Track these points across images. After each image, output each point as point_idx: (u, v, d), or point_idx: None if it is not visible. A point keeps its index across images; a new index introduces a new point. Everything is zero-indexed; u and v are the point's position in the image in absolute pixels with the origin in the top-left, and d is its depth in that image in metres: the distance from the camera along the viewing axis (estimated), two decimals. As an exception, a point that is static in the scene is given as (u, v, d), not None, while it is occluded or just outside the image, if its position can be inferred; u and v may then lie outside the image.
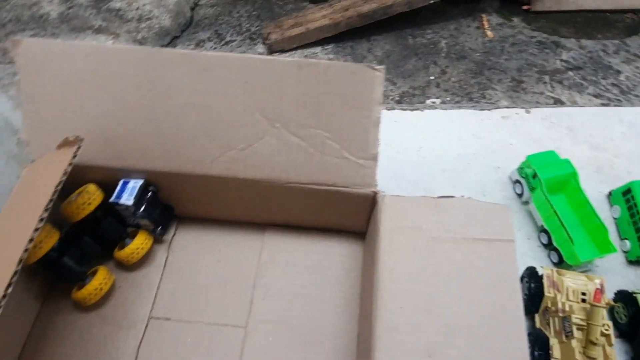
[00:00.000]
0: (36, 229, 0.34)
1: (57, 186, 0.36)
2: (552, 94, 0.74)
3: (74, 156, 0.38)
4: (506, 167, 0.62)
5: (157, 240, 0.54)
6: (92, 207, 0.47)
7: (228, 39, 0.96)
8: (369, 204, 0.48)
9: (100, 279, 0.48)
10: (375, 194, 0.46)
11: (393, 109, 0.68)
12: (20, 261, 0.33)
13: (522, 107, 0.67)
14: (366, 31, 0.89)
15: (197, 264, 0.53)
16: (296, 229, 0.55)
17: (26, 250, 0.33)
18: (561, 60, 0.78)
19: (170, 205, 0.53)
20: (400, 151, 0.63)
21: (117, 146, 0.46)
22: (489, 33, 0.87)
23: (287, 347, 0.48)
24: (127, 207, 0.47)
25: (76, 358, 0.47)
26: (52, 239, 0.44)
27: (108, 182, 0.48)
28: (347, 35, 0.90)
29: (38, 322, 0.49)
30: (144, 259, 0.53)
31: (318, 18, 0.95)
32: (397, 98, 0.76)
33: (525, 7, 0.88)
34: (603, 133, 0.65)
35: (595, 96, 0.75)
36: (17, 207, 0.41)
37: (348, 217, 0.52)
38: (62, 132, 0.44)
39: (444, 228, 0.43)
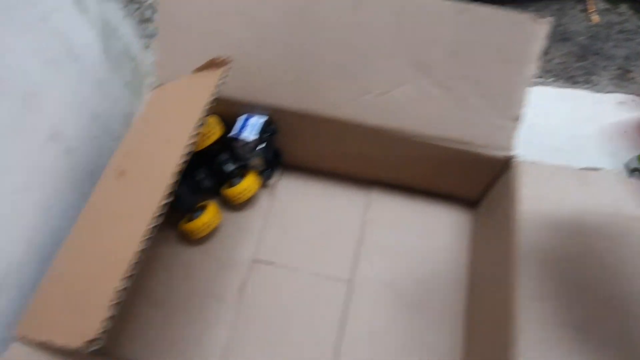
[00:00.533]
0: (186, 154, 0.33)
1: (205, 107, 0.35)
2: (662, 87, 0.70)
3: (225, 76, 0.36)
4: (622, 154, 0.58)
5: (263, 184, 0.52)
6: (210, 141, 0.45)
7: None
8: (497, 169, 0.45)
9: (210, 215, 0.47)
10: (509, 158, 0.43)
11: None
12: (168, 192, 0.31)
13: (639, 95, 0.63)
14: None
15: (301, 213, 0.52)
16: (403, 190, 0.53)
17: (173, 183, 0.32)
18: (670, 54, 0.74)
19: (279, 150, 0.52)
20: None
21: (247, 78, 0.44)
22: (595, 17, 0.82)
23: (392, 308, 0.47)
24: (246, 143, 0.45)
25: (179, 290, 0.47)
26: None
27: (228, 115, 0.46)
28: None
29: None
30: (248, 201, 0.51)
31: None
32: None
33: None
34: None
35: None
36: (154, 128, 0.40)
37: (464, 182, 0.49)
38: (194, 58, 0.42)
39: (592, 202, 0.40)
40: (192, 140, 0.33)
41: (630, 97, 0.63)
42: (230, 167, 0.48)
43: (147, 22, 0.68)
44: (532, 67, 0.41)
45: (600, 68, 0.74)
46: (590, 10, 0.82)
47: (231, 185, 0.49)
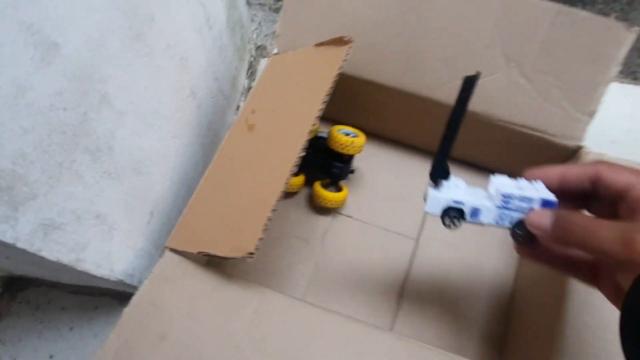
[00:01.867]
0: (317, 117, 0.39)
1: (334, 78, 0.42)
2: None
3: (347, 54, 0.43)
4: (678, 151, 0.62)
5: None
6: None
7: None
8: (566, 157, 0.51)
9: (344, 196, 0.55)
10: (579, 148, 0.49)
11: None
12: (303, 148, 0.38)
13: None
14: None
15: (378, 177, 0.59)
16: (473, 167, 0.59)
17: (307, 141, 0.39)
18: None
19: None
20: (605, 124, 0.64)
21: (357, 54, 0.50)
22: (671, 14, 0.83)
23: (451, 264, 0.54)
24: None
25: (276, 230, 0.56)
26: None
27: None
28: None
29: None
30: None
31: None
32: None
33: None
34: None
35: None
36: (279, 91, 0.47)
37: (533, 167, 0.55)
38: (311, 32, 0.49)
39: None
40: (321, 106, 0.40)
41: (695, 98, 0.66)
42: (336, 174, 0.54)
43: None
44: (615, 69, 0.46)
45: (670, 67, 0.76)
46: (666, 7, 0.83)
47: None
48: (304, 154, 0.38)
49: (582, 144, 0.49)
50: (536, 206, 0.31)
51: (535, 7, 0.45)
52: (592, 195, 0.31)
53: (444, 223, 0.34)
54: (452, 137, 0.34)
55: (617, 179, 0.28)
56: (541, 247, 0.33)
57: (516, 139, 0.51)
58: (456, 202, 0.33)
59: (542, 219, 0.30)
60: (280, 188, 0.37)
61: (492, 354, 0.50)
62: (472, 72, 0.48)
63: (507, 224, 0.32)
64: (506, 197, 0.31)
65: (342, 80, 0.52)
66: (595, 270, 0.31)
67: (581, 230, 0.26)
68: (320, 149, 0.53)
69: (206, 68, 0.50)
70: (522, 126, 0.49)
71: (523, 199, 0.31)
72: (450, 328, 0.51)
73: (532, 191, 0.31)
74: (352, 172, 0.57)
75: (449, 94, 0.49)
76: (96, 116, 0.32)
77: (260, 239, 0.35)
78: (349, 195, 0.58)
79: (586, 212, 0.33)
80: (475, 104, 0.49)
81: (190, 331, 0.38)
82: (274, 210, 0.36)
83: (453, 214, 0.33)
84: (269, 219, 0.36)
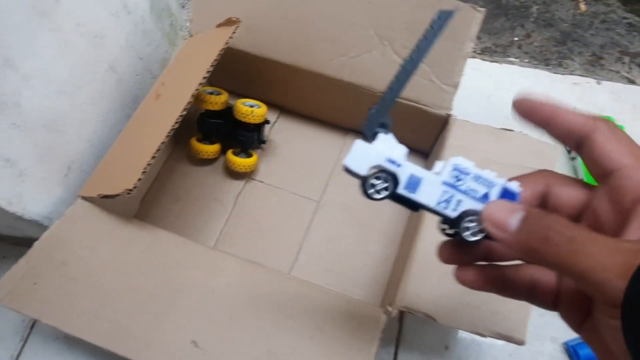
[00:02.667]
0: (199, 84, 0.47)
1: (219, 52, 0.49)
2: (627, 75, 0.79)
3: (234, 32, 0.50)
4: (564, 127, 0.70)
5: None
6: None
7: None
8: (440, 125, 0.58)
9: (253, 161, 0.62)
10: (448, 116, 0.56)
11: (474, 57, 0.76)
12: (185, 108, 0.46)
13: (594, 78, 0.73)
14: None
15: (290, 147, 0.67)
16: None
17: (189, 103, 0.46)
18: (647, 45, 0.81)
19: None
20: (472, 94, 0.72)
21: (257, 35, 0.58)
22: (583, 6, 0.90)
23: (346, 223, 0.62)
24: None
25: (192, 192, 0.63)
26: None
27: (237, 68, 0.61)
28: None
29: (166, 165, 0.65)
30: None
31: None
32: (479, 51, 0.83)
33: (627, -12, 0.89)
34: (665, 116, 0.70)
35: (672, 86, 0.78)
36: (184, 66, 0.54)
37: (419, 135, 0.62)
38: (219, 17, 0.56)
39: (498, 153, 0.53)
40: (205, 75, 0.48)
41: (586, 79, 0.73)
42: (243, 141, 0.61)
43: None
44: (470, 45, 0.53)
45: (575, 54, 0.83)
46: (579, 0, 0.90)
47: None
48: (185, 112, 0.46)
49: (451, 112, 0.56)
50: (494, 194, 0.23)
51: (398, -9, 0.52)
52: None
53: (364, 189, 0.24)
54: (404, 80, 0.26)
55: (570, 196, 0.22)
56: (481, 255, 0.25)
57: (396, 110, 0.58)
58: (391, 161, 0.24)
59: (506, 214, 0.21)
60: (160, 139, 0.44)
61: (375, 299, 0.57)
62: (355, 50, 0.56)
63: (450, 211, 0.24)
64: (459, 172, 0.24)
65: (249, 59, 0.60)
66: (558, 295, 0.24)
67: (564, 242, 0.18)
68: (230, 119, 0.60)
69: (126, 48, 0.58)
70: (400, 98, 0.56)
71: (480, 178, 0.24)
72: (339, 275, 0.58)
73: (492, 176, 0.24)
74: (263, 142, 0.64)
75: (335, 70, 0.57)
76: (1, 75, 0.40)
77: (139, 179, 0.43)
78: (262, 163, 0.65)
79: None
80: (358, 77, 0.57)
81: (87, 259, 0.45)
82: (153, 157, 0.44)
83: (383, 178, 0.24)
84: (149, 164, 0.43)
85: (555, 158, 0.53)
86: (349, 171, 0.25)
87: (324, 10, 0.55)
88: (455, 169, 0.24)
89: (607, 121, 0.22)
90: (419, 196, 0.24)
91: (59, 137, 0.49)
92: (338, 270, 0.59)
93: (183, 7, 0.72)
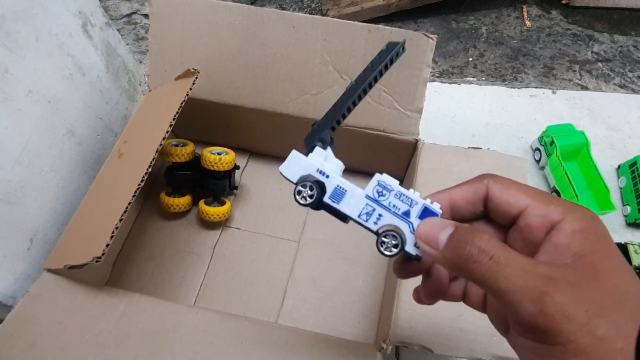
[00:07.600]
0: (163, 138, 0.46)
1: (181, 104, 0.49)
2: (579, 82, 0.82)
3: (194, 82, 0.50)
4: (529, 137, 0.71)
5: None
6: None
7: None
8: (410, 150, 0.58)
9: (227, 209, 0.60)
10: (417, 141, 0.56)
11: (434, 81, 0.78)
12: (150, 164, 0.45)
13: (550, 89, 0.76)
14: (414, 14, 0.98)
15: (263, 190, 0.66)
16: (345, 171, 0.66)
17: (154, 159, 0.45)
18: (592, 52, 0.85)
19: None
20: (437, 117, 0.73)
21: (217, 83, 0.58)
22: (528, 23, 0.94)
23: (329, 260, 0.60)
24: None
25: (167, 248, 0.61)
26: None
27: (200, 115, 0.60)
28: (397, 17, 0.99)
29: (136, 223, 0.63)
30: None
31: (370, -1, 1.04)
32: (437, 75, 0.85)
33: (564, 1, 0.95)
34: (621, 115, 0.73)
35: (621, 87, 0.82)
36: (145, 121, 0.53)
37: (391, 161, 0.62)
38: (176, 69, 0.56)
39: (470, 171, 0.53)
40: (168, 128, 0.47)
41: (542, 90, 0.76)
42: (214, 190, 0.60)
43: (141, 40, 0.82)
44: (427, 70, 0.54)
45: (528, 67, 0.87)
46: (524, 17, 0.95)
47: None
48: (150, 169, 0.45)
49: (418, 137, 0.56)
50: (415, 213, 0.24)
51: (350, 27, 0.53)
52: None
53: (294, 194, 0.27)
54: (346, 101, 0.28)
55: (509, 200, 0.23)
56: (424, 268, 0.26)
57: (365, 140, 0.58)
58: (320, 172, 0.26)
59: (437, 231, 0.22)
60: (127, 199, 0.43)
61: (367, 335, 0.55)
62: (316, 87, 0.57)
63: (371, 224, 0.25)
64: (382, 188, 0.25)
65: (212, 107, 0.59)
66: (485, 301, 0.26)
67: (485, 261, 0.19)
68: (199, 169, 0.59)
69: (85, 109, 0.57)
70: (366, 128, 0.57)
71: (402, 196, 0.25)
72: (328, 315, 0.56)
73: (416, 196, 0.25)
74: (235, 188, 0.63)
75: (299, 108, 0.57)
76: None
77: (107, 244, 0.41)
78: (236, 209, 0.64)
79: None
80: (322, 113, 0.56)
81: (58, 337, 0.42)
82: (121, 220, 0.42)
83: (309, 186, 0.26)
84: (117, 227, 0.41)
85: (526, 169, 0.54)
86: (284, 176, 0.27)
87: (281, 52, 0.56)
88: (379, 184, 0.25)
89: (494, 175, 0.24)
90: (343, 206, 0.26)
91: (18, 209, 0.46)
92: (327, 311, 0.56)
93: (140, 62, 0.72)
